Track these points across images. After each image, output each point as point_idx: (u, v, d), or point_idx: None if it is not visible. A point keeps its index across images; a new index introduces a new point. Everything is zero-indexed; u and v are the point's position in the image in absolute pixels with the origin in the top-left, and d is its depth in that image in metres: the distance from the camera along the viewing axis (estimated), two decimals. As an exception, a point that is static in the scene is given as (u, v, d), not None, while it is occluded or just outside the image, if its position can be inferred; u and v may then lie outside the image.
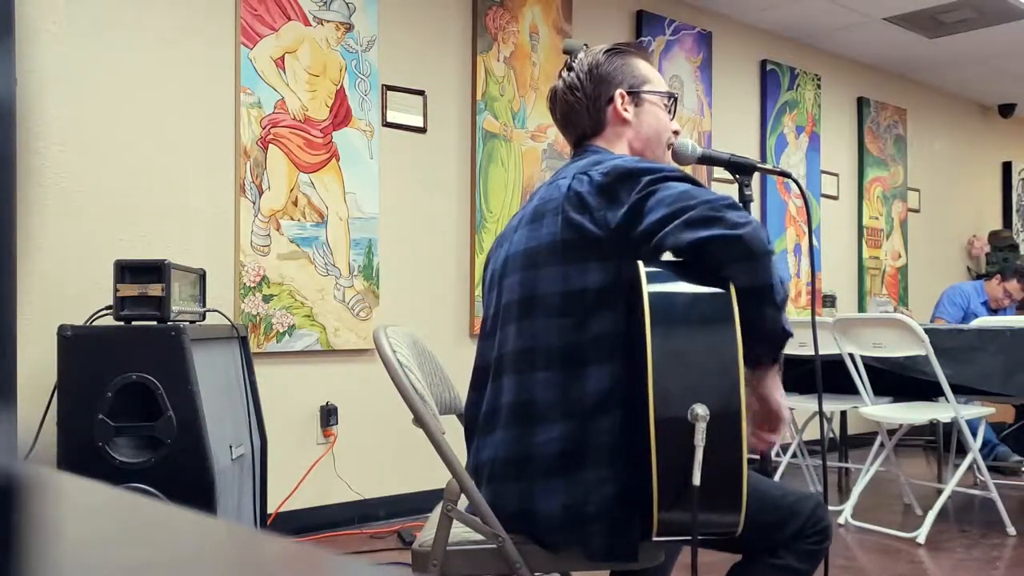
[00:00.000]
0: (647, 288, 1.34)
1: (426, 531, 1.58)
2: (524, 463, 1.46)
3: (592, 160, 1.53)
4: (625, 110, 1.65)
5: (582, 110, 1.65)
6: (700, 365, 1.33)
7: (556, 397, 1.44)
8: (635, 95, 1.66)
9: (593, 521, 1.42)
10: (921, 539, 3.33)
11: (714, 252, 1.34)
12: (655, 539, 1.35)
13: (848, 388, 3.77)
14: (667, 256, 1.42)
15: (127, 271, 2.48)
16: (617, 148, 1.64)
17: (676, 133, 1.72)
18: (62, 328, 2.40)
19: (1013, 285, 5.17)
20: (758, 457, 1.79)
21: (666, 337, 1.32)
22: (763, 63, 5.62)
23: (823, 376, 3.87)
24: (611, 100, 1.64)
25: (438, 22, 4.03)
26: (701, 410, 1.28)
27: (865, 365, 3.64)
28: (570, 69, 1.68)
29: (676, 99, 1.72)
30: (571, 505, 1.42)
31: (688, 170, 1.57)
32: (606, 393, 1.42)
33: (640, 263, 1.38)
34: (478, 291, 4.01)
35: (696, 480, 1.28)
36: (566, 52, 1.76)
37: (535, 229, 1.53)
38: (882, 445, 3.77)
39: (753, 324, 1.36)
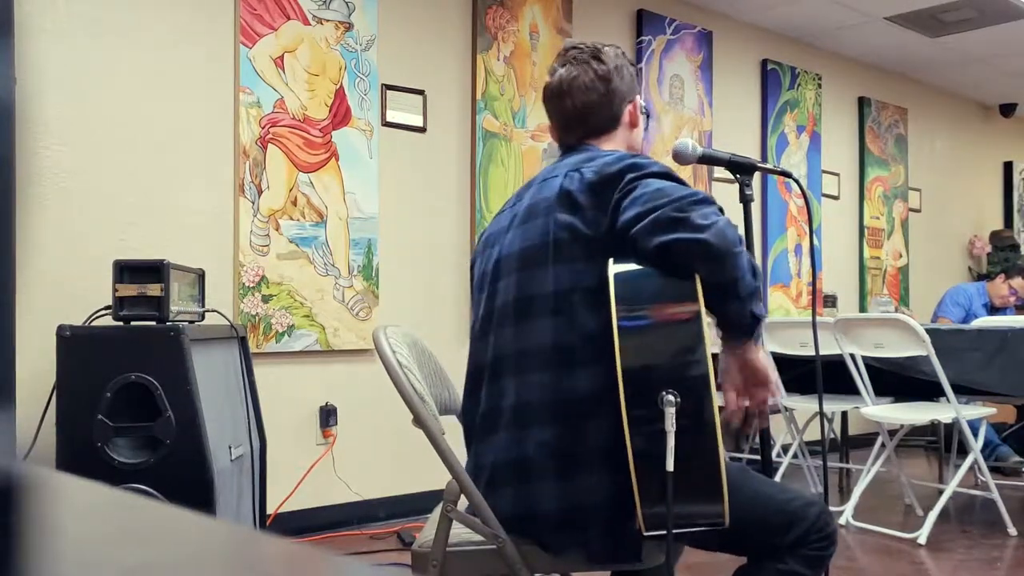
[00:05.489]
0: (612, 269, 1.37)
1: (426, 532, 1.58)
2: (521, 465, 1.45)
3: (584, 156, 1.53)
4: (637, 115, 1.69)
5: (606, 104, 1.63)
6: (667, 352, 1.36)
7: (549, 398, 1.44)
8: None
9: (591, 524, 1.41)
10: (922, 540, 3.33)
11: (678, 254, 1.36)
12: (645, 535, 1.35)
13: (849, 388, 3.77)
14: None
15: (126, 271, 2.48)
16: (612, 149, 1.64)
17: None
18: (61, 328, 2.40)
19: (1019, 282, 5.15)
20: (759, 458, 1.78)
21: (632, 327, 1.34)
22: (764, 62, 5.62)
23: (824, 376, 3.86)
24: (632, 102, 1.67)
25: (438, 22, 4.03)
26: (669, 396, 1.29)
27: (866, 365, 3.64)
28: (599, 60, 1.63)
29: (649, 116, 1.78)
30: (568, 507, 1.42)
31: (688, 170, 1.59)
32: (598, 395, 1.41)
33: (611, 260, 1.40)
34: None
35: (669, 466, 1.28)
36: None
37: (528, 229, 1.52)
38: (883, 445, 3.76)
39: (720, 315, 1.41)
